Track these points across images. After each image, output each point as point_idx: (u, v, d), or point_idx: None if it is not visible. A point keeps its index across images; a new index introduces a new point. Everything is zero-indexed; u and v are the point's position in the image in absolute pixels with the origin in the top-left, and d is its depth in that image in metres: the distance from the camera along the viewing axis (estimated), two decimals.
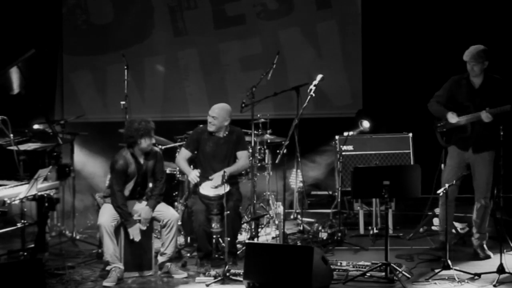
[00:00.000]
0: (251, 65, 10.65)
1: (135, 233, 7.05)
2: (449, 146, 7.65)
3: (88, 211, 9.18)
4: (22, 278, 5.91)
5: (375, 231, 8.48)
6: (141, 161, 7.20)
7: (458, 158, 7.60)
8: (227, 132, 7.70)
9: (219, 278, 6.85)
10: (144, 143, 7.10)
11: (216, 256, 7.44)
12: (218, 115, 7.61)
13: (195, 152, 7.75)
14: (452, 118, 7.48)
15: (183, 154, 7.71)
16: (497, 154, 7.50)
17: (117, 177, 7.07)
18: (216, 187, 7.36)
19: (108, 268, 6.99)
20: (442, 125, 7.67)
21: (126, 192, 7.16)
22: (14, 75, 7.87)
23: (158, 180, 7.31)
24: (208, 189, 7.39)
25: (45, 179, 7.17)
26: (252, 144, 8.13)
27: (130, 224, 7.05)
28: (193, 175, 7.49)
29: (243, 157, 7.68)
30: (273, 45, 10.48)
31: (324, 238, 8.21)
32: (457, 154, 7.60)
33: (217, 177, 7.41)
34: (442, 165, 8.30)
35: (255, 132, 8.29)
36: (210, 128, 7.63)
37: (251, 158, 8.13)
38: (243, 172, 8.04)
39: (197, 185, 7.47)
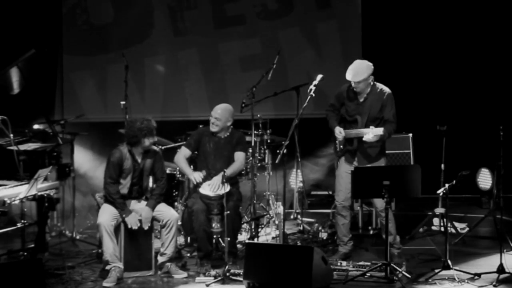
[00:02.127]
0: (251, 65, 10.65)
1: (132, 222, 7.06)
2: (340, 156, 7.48)
3: (88, 211, 9.18)
4: (22, 278, 5.91)
5: (375, 231, 8.49)
6: (139, 159, 7.21)
7: (346, 170, 7.39)
8: (228, 133, 7.70)
9: (219, 278, 6.85)
10: (147, 141, 7.14)
11: (216, 256, 7.44)
12: (221, 116, 7.59)
13: (195, 152, 7.76)
14: (338, 135, 7.35)
15: (183, 153, 7.70)
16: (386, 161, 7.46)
17: (111, 168, 7.12)
18: (216, 187, 7.36)
19: (108, 267, 6.99)
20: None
21: (124, 190, 7.18)
22: (14, 75, 7.87)
23: (159, 180, 7.32)
24: (208, 189, 7.39)
25: (45, 179, 7.17)
26: (252, 144, 8.13)
27: (126, 214, 7.06)
28: (196, 176, 7.46)
29: (239, 159, 7.67)
30: (273, 45, 10.48)
31: (324, 238, 8.22)
32: (345, 165, 7.44)
33: (217, 180, 7.40)
34: (442, 165, 8.31)
35: (255, 132, 8.29)
36: (213, 129, 7.62)
37: (251, 158, 8.14)
38: (242, 172, 8.05)
39: (197, 185, 7.47)
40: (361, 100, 7.37)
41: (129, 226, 7.06)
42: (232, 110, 7.67)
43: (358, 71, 7.28)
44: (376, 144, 7.32)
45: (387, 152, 8.71)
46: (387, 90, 7.41)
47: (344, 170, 7.42)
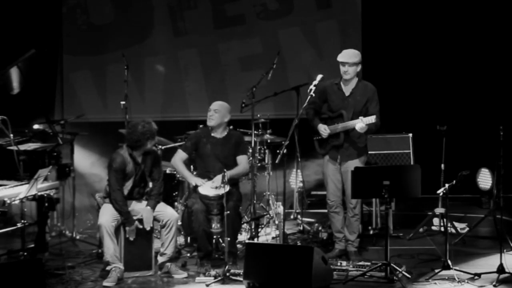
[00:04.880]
0: (251, 65, 10.64)
1: (131, 233, 7.06)
2: (325, 154, 7.53)
3: (88, 211, 9.18)
4: (22, 278, 5.91)
5: (375, 231, 8.49)
6: (139, 161, 7.20)
7: (332, 168, 7.51)
8: (225, 133, 7.69)
9: (219, 278, 6.85)
10: (150, 144, 7.14)
11: (216, 256, 7.44)
12: (219, 107, 7.60)
13: (192, 155, 7.75)
14: (323, 132, 7.38)
15: (180, 156, 7.68)
16: (367, 159, 7.57)
17: (115, 175, 7.08)
18: (216, 187, 7.36)
19: (108, 268, 6.99)
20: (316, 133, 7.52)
21: (125, 192, 7.17)
22: (14, 75, 7.87)
23: (156, 180, 7.31)
24: (208, 189, 7.39)
25: (45, 179, 7.17)
26: (252, 144, 8.13)
27: (129, 223, 7.06)
28: (198, 181, 7.46)
29: (243, 162, 7.67)
30: (273, 45, 10.48)
31: (324, 238, 8.21)
32: (330, 163, 7.52)
33: (218, 179, 7.40)
34: (442, 165, 8.32)
35: (255, 132, 8.29)
36: (210, 122, 7.61)
37: (251, 158, 8.14)
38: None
39: (197, 185, 7.47)
40: (347, 94, 7.41)
41: (127, 236, 7.06)
42: (229, 108, 7.67)
43: (350, 54, 7.36)
44: (359, 140, 7.37)
45: (386, 152, 8.77)
46: (372, 86, 7.48)
47: (330, 168, 7.51)
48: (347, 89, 7.43)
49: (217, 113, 7.58)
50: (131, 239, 7.07)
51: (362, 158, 7.48)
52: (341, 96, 7.43)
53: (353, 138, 7.39)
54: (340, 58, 7.36)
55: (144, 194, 7.30)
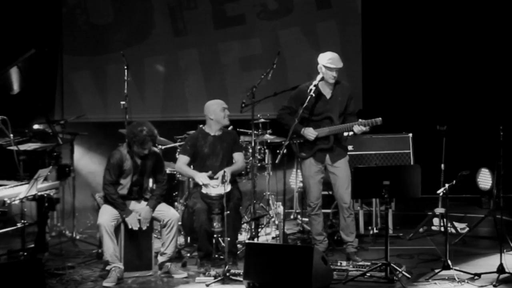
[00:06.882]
0: (251, 65, 10.65)
1: (132, 222, 7.06)
2: (308, 157, 7.48)
3: (88, 211, 9.18)
4: (22, 278, 5.91)
5: (375, 231, 8.49)
6: (138, 160, 7.20)
7: (315, 170, 7.47)
8: (221, 132, 7.70)
9: (219, 278, 6.85)
10: (136, 149, 7.10)
11: (216, 256, 7.44)
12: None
13: (193, 156, 7.75)
14: (311, 135, 7.34)
15: (182, 160, 7.68)
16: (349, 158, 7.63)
17: (111, 168, 7.11)
18: (218, 186, 7.37)
19: (108, 268, 7.00)
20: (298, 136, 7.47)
21: (124, 191, 7.17)
22: (14, 75, 7.87)
23: (159, 181, 7.32)
24: (210, 188, 7.39)
25: (45, 179, 7.17)
26: (252, 144, 8.14)
27: (126, 214, 7.07)
28: (204, 176, 7.46)
29: (240, 159, 7.70)
30: (273, 45, 10.49)
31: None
32: (313, 166, 7.47)
33: (219, 176, 7.41)
34: (442, 165, 8.32)
35: (255, 132, 8.29)
36: (227, 121, 7.68)
37: (251, 158, 8.15)
38: (242, 172, 8.05)
39: (198, 184, 7.47)
40: (328, 97, 7.41)
41: (130, 227, 7.06)
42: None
43: (338, 59, 7.39)
44: (343, 139, 7.47)
45: (386, 152, 8.78)
46: (348, 84, 7.55)
47: (313, 171, 7.47)
48: (327, 92, 7.42)
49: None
50: (135, 228, 7.06)
51: (347, 155, 7.54)
52: (322, 99, 7.40)
53: (340, 139, 7.44)
54: (332, 64, 7.31)
55: (143, 194, 7.30)
